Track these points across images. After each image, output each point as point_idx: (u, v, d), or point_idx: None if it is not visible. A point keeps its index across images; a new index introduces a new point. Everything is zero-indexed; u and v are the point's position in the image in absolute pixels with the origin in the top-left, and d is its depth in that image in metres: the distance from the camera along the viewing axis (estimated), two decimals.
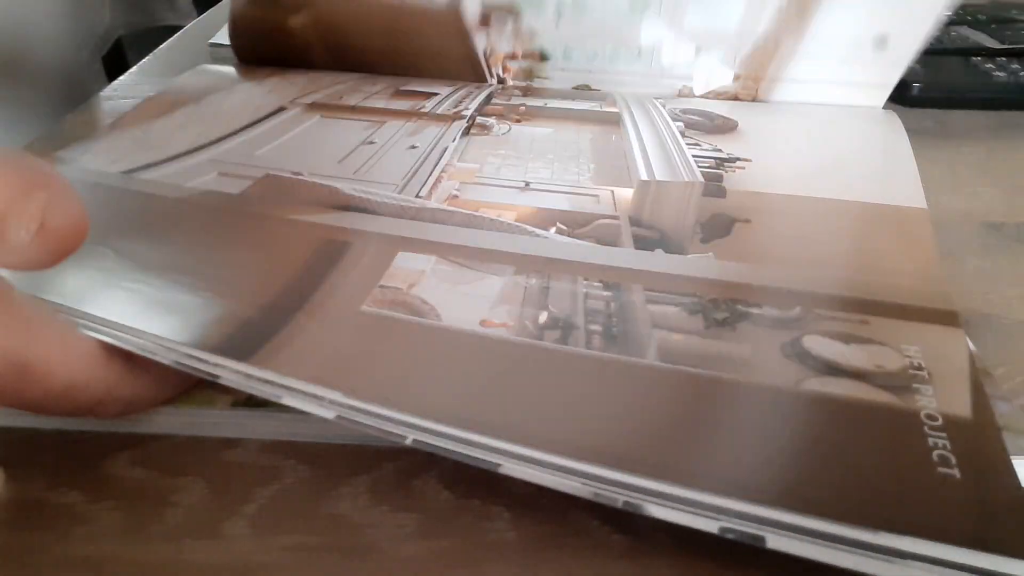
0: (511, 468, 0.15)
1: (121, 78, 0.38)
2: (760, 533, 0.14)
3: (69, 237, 0.16)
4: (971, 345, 0.18)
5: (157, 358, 0.17)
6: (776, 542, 0.14)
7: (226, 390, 0.19)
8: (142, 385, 0.18)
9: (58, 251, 0.15)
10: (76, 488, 0.18)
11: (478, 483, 0.17)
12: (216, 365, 0.17)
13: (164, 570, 0.16)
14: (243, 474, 0.18)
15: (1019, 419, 0.18)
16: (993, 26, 0.42)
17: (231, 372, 0.17)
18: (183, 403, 0.19)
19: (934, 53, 0.39)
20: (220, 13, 0.48)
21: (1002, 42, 0.40)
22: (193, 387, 0.19)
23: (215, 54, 0.40)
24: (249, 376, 0.17)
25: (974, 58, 0.38)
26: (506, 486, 0.17)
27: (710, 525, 0.14)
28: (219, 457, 0.18)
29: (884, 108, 0.31)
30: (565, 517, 0.17)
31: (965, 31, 0.42)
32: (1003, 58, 0.38)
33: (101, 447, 0.18)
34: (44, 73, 0.50)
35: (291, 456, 0.18)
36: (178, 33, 0.46)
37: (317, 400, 0.16)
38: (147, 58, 0.41)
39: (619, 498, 0.14)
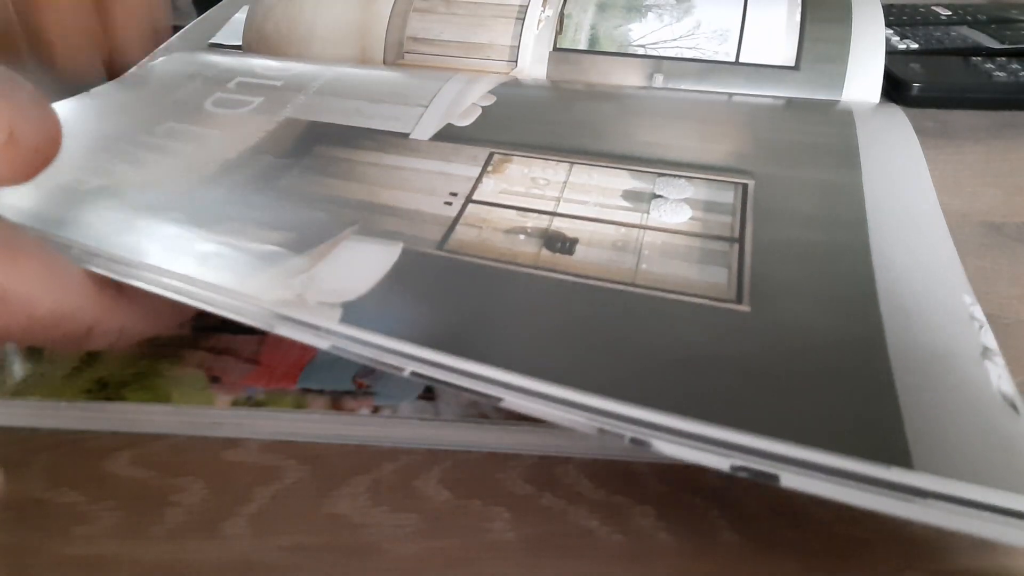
0: (513, 402, 0.14)
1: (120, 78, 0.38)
2: (773, 471, 0.13)
3: (40, 148, 0.15)
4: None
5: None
6: (790, 480, 0.13)
7: (227, 390, 0.19)
8: (132, 315, 0.17)
9: (30, 164, 0.15)
10: (76, 488, 0.18)
11: (478, 483, 0.17)
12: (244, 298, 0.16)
13: (164, 570, 0.16)
14: (243, 474, 0.18)
15: None
16: (993, 26, 0.42)
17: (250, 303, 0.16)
18: (183, 403, 0.19)
19: (934, 53, 0.39)
20: (220, 13, 0.48)
21: (1002, 42, 0.40)
22: (187, 320, 0.18)
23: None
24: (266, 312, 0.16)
25: (974, 58, 0.38)
26: (506, 487, 0.17)
27: (721, 463, 0.13)
28: (219, 457, 0.18)
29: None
30: (565, 517, 0.17)
31: (965, 31, 0.42)
32: (1003, 58, 0.38)
33: (101, 447, 0.18)
34: (44, 72, 0.50)
35: (291, 456, 0.18)
36: (178, 33, 0.46)
37: (313, 330, 0.16)
38: (145, 58, 0.41)
39: (626, 434, 0.14)
